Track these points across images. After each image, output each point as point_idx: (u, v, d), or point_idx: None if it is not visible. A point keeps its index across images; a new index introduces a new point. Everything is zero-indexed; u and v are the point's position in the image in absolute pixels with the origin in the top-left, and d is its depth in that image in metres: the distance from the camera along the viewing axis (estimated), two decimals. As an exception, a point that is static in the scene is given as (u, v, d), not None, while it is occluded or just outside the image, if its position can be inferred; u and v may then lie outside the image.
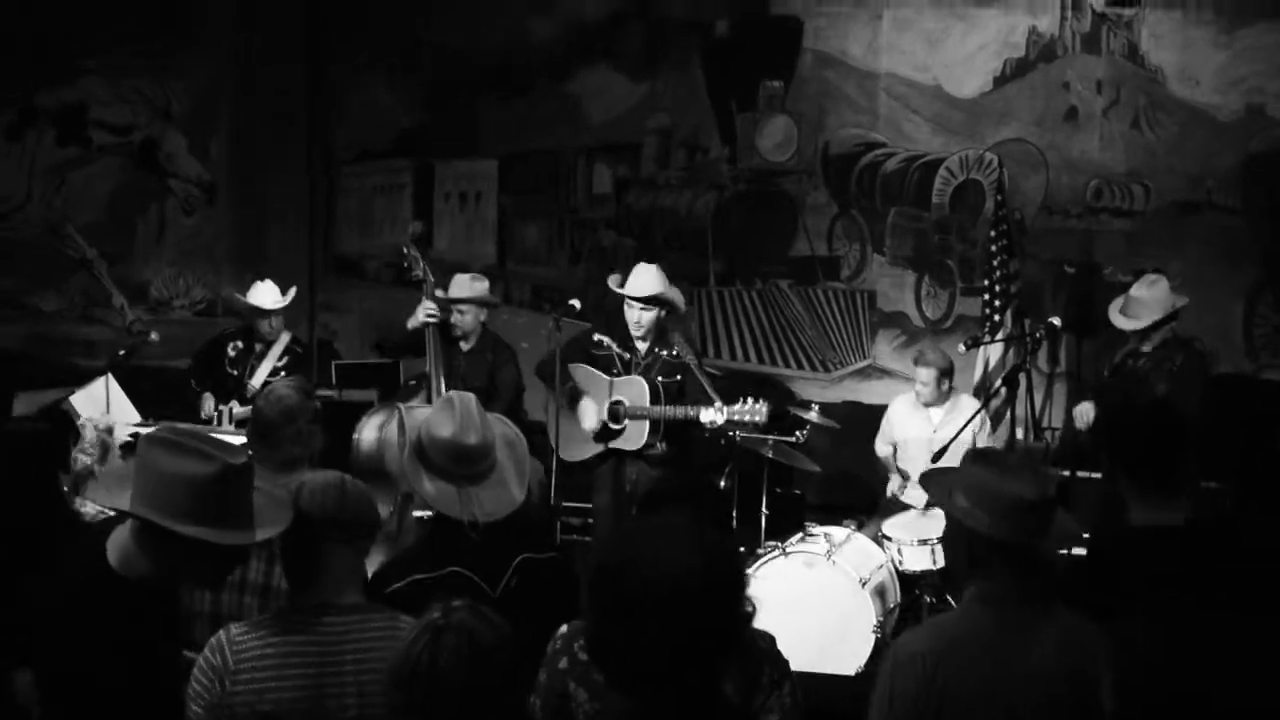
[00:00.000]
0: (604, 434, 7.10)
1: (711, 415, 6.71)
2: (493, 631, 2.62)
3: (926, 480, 3.49)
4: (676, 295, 7.22)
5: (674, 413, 6.89)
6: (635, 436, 7.01)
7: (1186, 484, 4.01)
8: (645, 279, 7.14)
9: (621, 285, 7.16)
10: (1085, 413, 7.25)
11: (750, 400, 6.77)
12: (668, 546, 2.32)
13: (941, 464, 6.26)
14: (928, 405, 7.59)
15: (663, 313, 7.13)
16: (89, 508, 4.53)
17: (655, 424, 6.96)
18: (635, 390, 7.01)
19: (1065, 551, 3.65)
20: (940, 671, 3.06)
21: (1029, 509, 3.13)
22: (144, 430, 3.30)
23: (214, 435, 3.24)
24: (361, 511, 3.28)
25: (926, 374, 7.50)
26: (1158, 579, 3.63)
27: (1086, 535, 3.99)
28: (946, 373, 7.55)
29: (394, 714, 2.59)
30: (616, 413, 7.04)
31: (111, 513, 3.35)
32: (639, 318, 7.08)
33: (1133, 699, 3.07)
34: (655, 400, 6.96)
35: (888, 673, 3.14)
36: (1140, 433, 4.05)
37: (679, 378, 7.02)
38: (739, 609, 2.38)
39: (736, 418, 6.71)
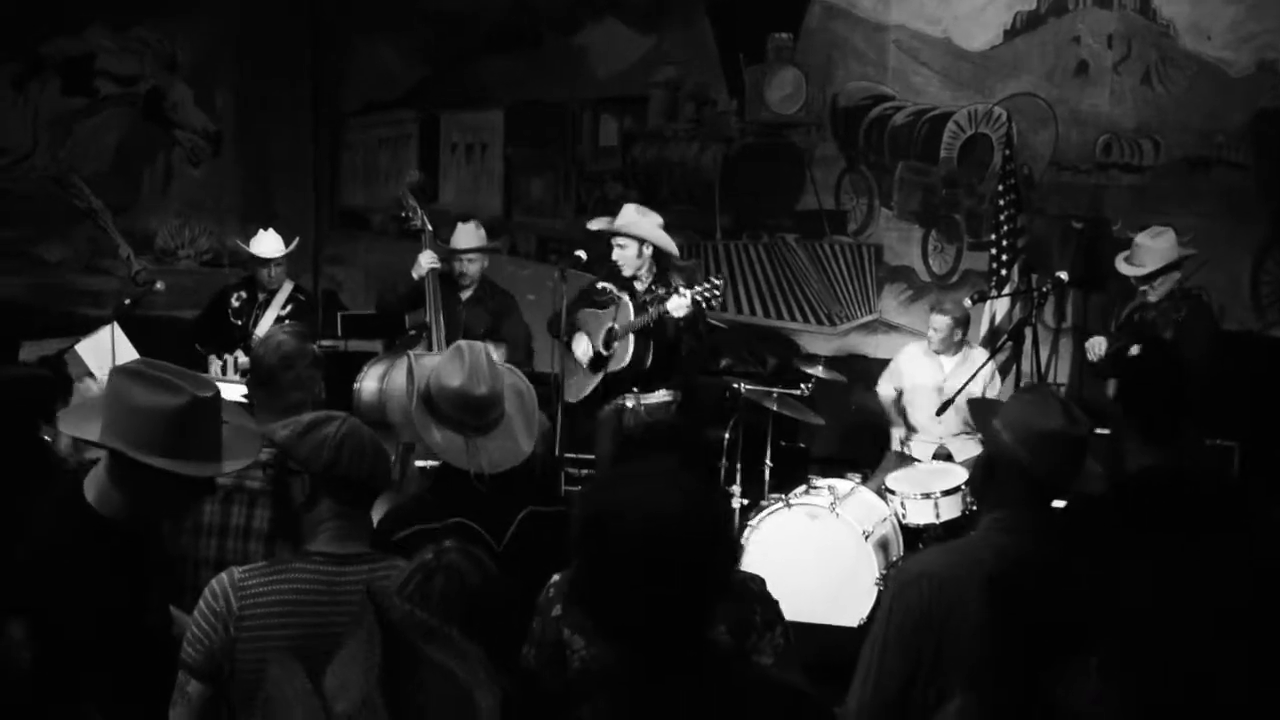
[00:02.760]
0: (599, 362, 7.16)
1: (675, 300, 6.72)
2: (482, 574, 2.61)
3: (975, 407, 3.52)
4: (648, 229, 7.20)
5: (648, 315, 6.93)
6: (621, 354, 7.08)
7: (1184, 431, 4.02)
8: (628, 216, 7.18)
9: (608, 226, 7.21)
10: (1098, 344, 7.25)
11: (713, 278, 6.86)
12: (647, 493, 2.31)
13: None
14: (939, 354, 7.59)
15: (646, 248, 7.12)
16: (62, 443, 4.59)
17: (641, 337, 7.00)
18: (624, 312, 7.06)
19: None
20: (945, 592, 3.07)
21: (1055, 442, 3.16)
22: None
23: (188, 371, 3.21)
24: (383, 470, 3.28)
25: (941, 320, 7.52)
26: (1142, 519, 3.63)
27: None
28: (961, 323, 7.59)
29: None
30: (610, 339, 7.07)
31: (93, 458, 3.37)
32: (620, 257, 7.14)
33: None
34: (638, 316, 7.03)
35: (892, 592, 3.16)
36: (1142, 370, 4.06)
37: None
38: (722, 553, 2.37)
39: (700, 296, 6.72)
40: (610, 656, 2.46)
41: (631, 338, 6.99)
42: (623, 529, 2.27)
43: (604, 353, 7.09)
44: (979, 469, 3.39)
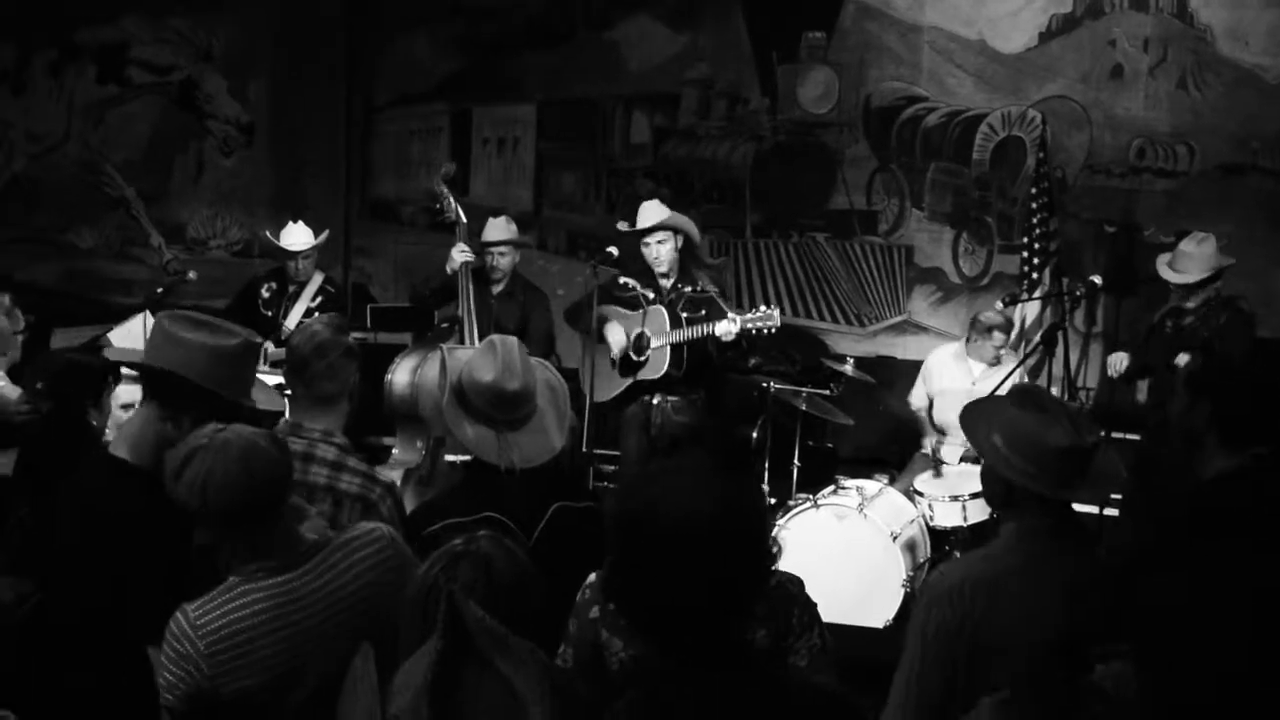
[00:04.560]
0: (629, 366, 7.09)
1: (725, 326, 6.68)
2: (511, 562, 2.59)
3: (967, 414, 3.44)
4: (685, 222, 7.19)
5: (692, 333, 6.85)
6: (657, 364, 7.00)
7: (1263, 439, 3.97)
8: (650, 212, 7.14)
9: (631, 226, 7.15)
10: (1119, 361, 7.22)
11: (763, 306, 6.75)
12: (686, 489, 2.29)
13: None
14: (992, 363, 7.50)
15: (679, 240, 7.10)
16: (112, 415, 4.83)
17: (676, 352, 6.95)
18: (658, 320, 6.98)
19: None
20: (977, 602, 3.05)
21: (1063, 458, 3.12)
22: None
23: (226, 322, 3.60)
24: (276, 482, 3.04)
25: (1001, 337, 7.47)
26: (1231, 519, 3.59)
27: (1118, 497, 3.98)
28: (1009, 328, 7.57)
29: (408, 638, 2.53)
30: (640, 345, 7.02)
31: None
32: (657, 253, 7.06)
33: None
34: (676, 329, 6.94)
35: (925, 604, 3.13)
36: (1227, 373, 3.99)
37: (704, 312, 6.99)
38: (761, 551, 2.35)
39: (750, 324, 6.66)
40: (648, 652, 2.44)
41: (668, 350, 6.95)
42: (659, 525, 2.26)
43: (635, 357, 7.05)
44: (985, 480, 3.35)
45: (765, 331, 6.70)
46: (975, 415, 3.39)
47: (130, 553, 3.18)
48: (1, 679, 3.19)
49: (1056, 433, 3.12)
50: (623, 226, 7.23)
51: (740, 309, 6.95)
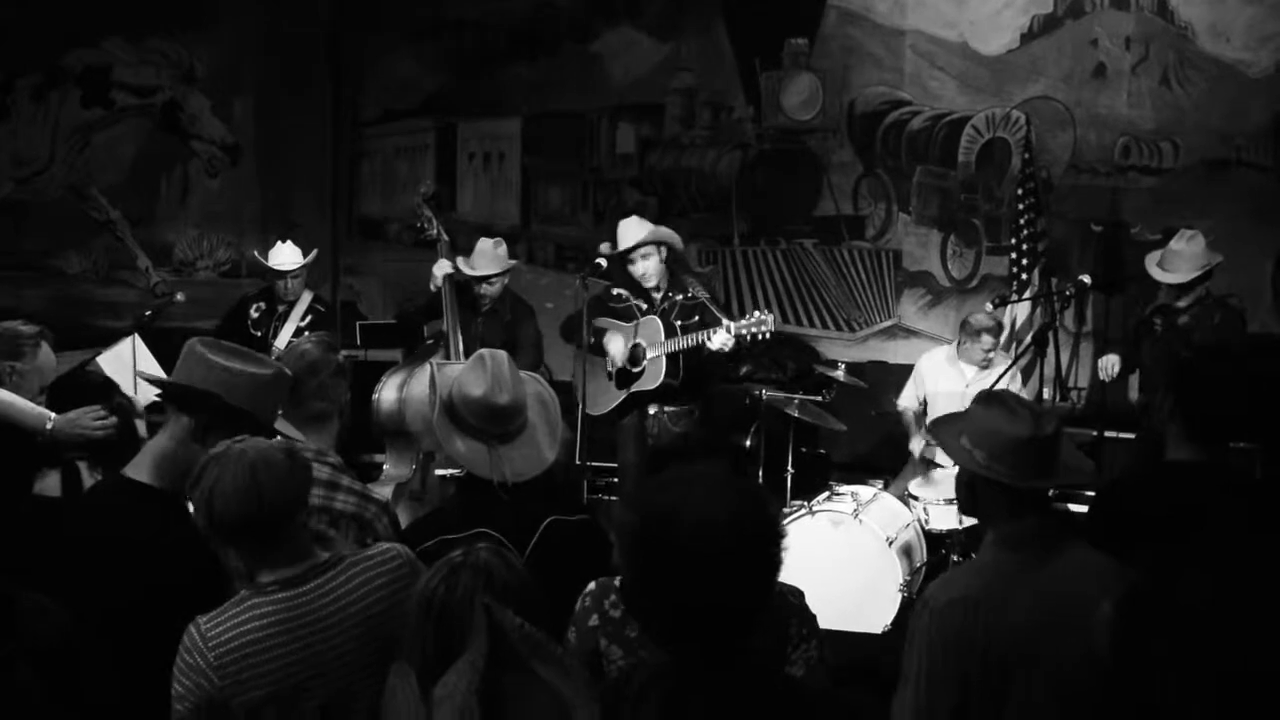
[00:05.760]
0: (625, 378, 7.08)
1: (721, 336, 6.67)
2: (510, 572, 2.59)
3: (937, 426, 3.46)
4: (667, 234, 7.18)
5: (685, 342, 6.84)
6: (653, 375, 6.99)
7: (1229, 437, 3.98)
8: (630, 230, 7.12)
9: (614, 248, 7.13)
10: (1110, 364, 7.22)
11: (756, 312, 6.74)
12: (706, 496, 2.30)
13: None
14: (982, 366, 7.50)
15: (663, 252, 7.09)
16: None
17: (672, 362, 6.94)
18: (651, 329, 6.98)
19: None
20: (981, 617, 3.03)
21: (1024, 447, 3.11)
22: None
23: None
24: (286, 496, 3.03)
25: (990, 340, 7.45)
26: (1174, 510, 3.60)
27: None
28: (999, 331, 7.56)
29: (410, 648, 2.55)
30: (636, 356, 7.02)
31: None
32: (644, 269, 7.04)
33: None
34: (671, 338, 6.94)
35: (925, 622, 3.10)
36: (1201, 367, 4.01)
37: (697, 318, 6.98)
38: (776, 559, 2.36)
39: (744, 331, 6.64)
40: (659, 659, 2.44)
41: (663, 360, 6.94)
42: (676, 532, 2.27)
43: (631, 369, 7.04)
44: (962, 490, 3.35)
45: (761, 336, 6.69)
46: (946, 423, 3.41)
47: (151, 577, 3.17)
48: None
49: (1017, 425, 3.13)
50: (605, 249, 7.18)
51: (733, 316, 6.93)
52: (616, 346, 7.05)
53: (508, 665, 2.09)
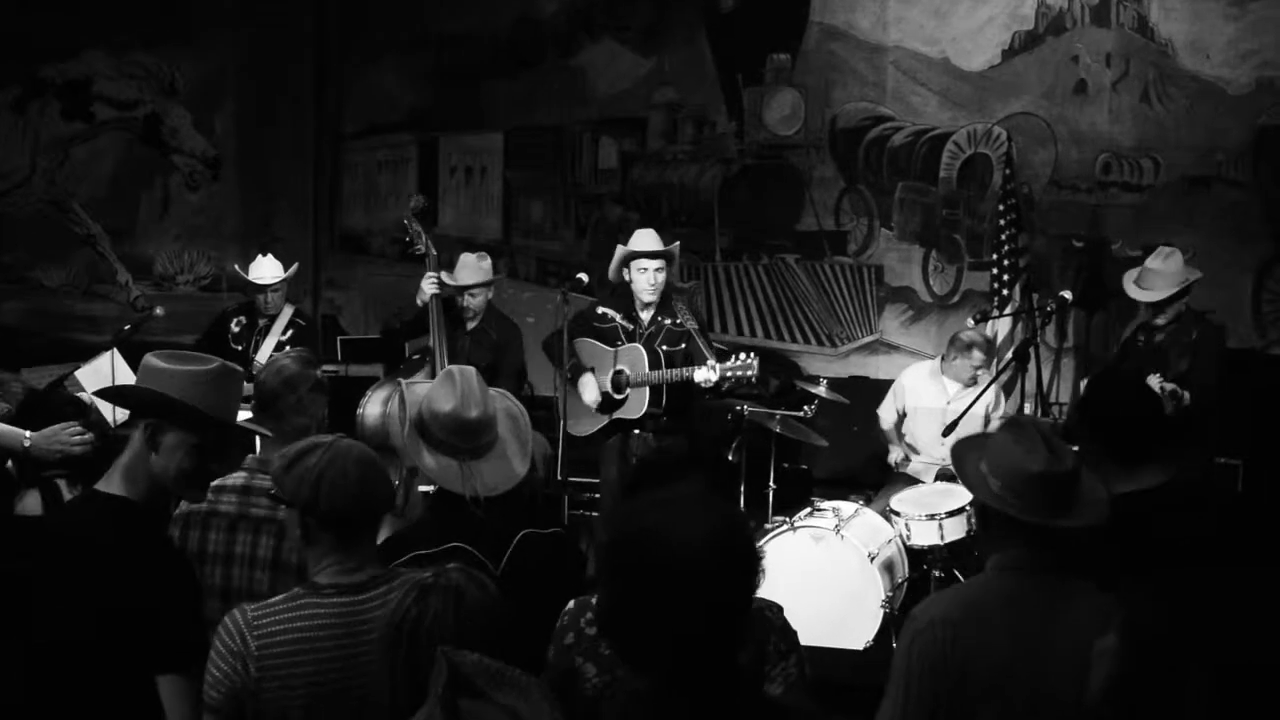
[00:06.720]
0: (608, 404, 7.06)
1: (704, 374, 6.66)
2: (481, 592, 2.58)
3: (960, 447, 3.43)
4: (677, 251, 7.22)
5: (670, 375, 6.83)
6: (637, 405, 6.98)
7: (1165, 453, 4.03)
8: (647, 238, 7.13)
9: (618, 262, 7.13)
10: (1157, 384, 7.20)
11: (742, 355, 6.73)
12: (683, 517, 2.27)
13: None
14: (969, 383, 7.48)
15: (669, 270, 7.09)
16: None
17: (656, 391, 6.92)
18: (635, 357, 6.97)
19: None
20: (961, 639, 3.01)
21: (1042, 484, 3.08)
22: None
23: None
24: (384, 500, 3.24)
25: (980, 355, 7.44)
26: (1144, 540, 3.61)
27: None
28: (988, 348, 7.56)
29: (383, 672, 2.55)
30: (619, 382, 7.00)
31: None
32: (653, 279, 7.00)
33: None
34: (655, 368, 6.92)
35: (907, 640, 3.09)
36: (1118, 403, 4.08)
37: (683, 346, 6.97)
38: (754, 579, 2.33)
39: (729, 373, 6.65)
40: (632, 685, 2.42)
41: (647, 390, 6.93)
42: (655, 553, 2.24)
43: (615, 395, 7.02)
44: (975, 512, 3.35)
45: (745, 380, 6.72)
46: (969, 447, 3.39)
47: (127, 590, 3.15)
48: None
49: (1032, 460, 3.10)
50: (622, 247, 7.15)
51: (720, 353, 6.87)
52: (590, 395, 7.02)
53: (464, 693, 2.08)
